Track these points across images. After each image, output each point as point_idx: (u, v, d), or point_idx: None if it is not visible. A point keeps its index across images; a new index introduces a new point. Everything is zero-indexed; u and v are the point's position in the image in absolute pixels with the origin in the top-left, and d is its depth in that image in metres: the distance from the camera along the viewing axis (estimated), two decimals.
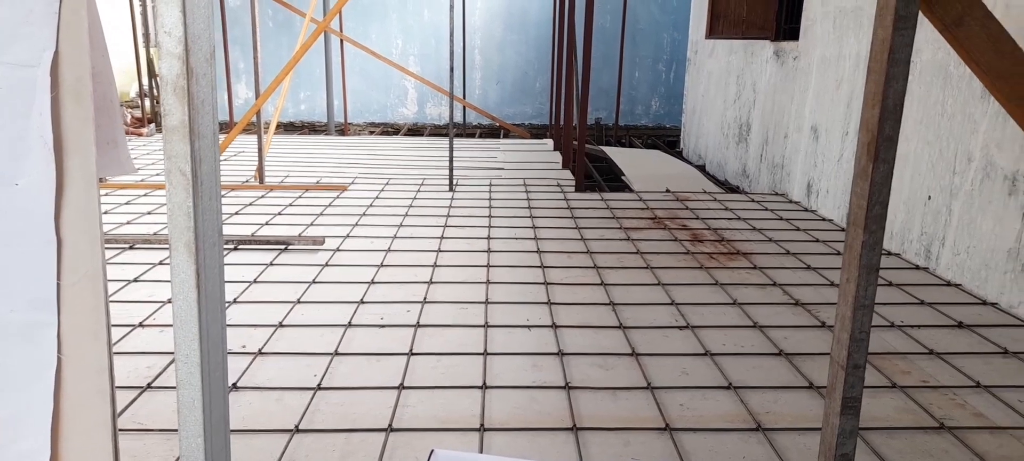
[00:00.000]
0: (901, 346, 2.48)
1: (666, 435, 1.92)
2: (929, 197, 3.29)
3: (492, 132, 9.21)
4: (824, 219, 4.27)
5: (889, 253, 3.56)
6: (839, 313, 0.97)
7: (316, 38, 4.78)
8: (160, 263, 3.22)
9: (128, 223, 3.96)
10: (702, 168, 6.80)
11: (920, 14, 0.94)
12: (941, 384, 2.21)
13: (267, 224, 3.99)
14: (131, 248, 3.46)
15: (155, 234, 3.63)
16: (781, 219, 4.27)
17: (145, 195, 4.63)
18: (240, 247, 3.52)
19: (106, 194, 4.64)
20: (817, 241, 3.82)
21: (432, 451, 1.67)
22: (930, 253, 3.29)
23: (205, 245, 0.75)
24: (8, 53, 0.72)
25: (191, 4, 0.70)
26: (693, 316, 2.74)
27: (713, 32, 5.22)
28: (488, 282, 3.10)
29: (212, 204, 0.76)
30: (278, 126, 9.42)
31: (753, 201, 4.77)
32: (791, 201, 4.77)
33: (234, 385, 2.13)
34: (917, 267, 3.34)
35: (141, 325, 2.56)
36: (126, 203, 4.40)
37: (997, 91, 0.91)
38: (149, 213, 4.17)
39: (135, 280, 3.01)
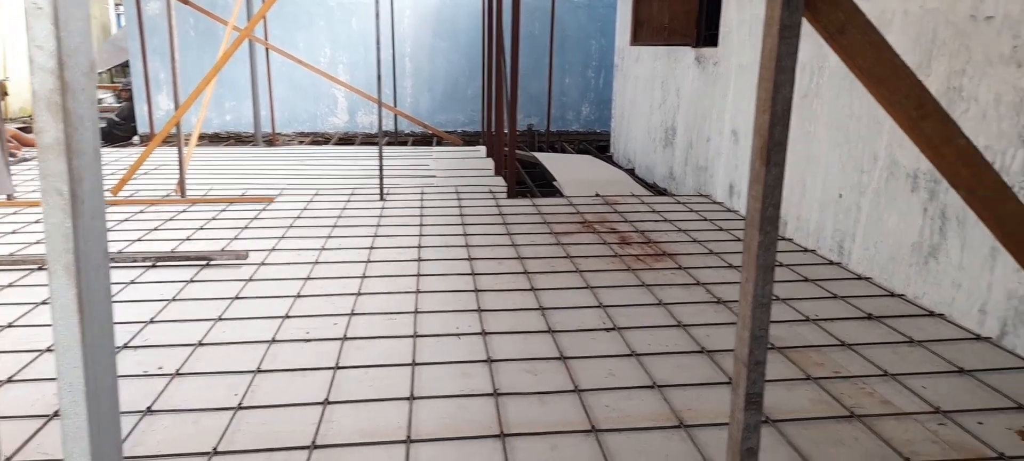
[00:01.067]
0: (815, 339, 2.58)
1: (592, 437, 1.94)
2: (840, 195, 3.44)
3: (425, 140, 9.16)
4: (745, 218, 4.41)
5: (805, 250, 3.71)
6: (740, 313, 1.00)
7: (238, 46, 4.66)
8: (9, 285, 3.07)
9: None
10: (631, 172, 6.93)
11: (809, 24, 0.99)
12: (852, 374, 2.31)
13: (188, 239, 3.86)
14: None
15: (12, 255, 3.45)
16: (705, 220, 4.39)
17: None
18: (158, 264, 3.39)
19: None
20: (739, 240, 3.94)
21: None
22: (842, 249, 3.44)
23: (87, 267, 0.72)
24: None
25: (65, 16, 0.67)
26: (620, 318, 2.79)
27: (637, 39, 5.33)
28: (418, 291, 3.07)
29: (95, 224, 0.73)
30: (202, 138, 9.13)
31: (679, 203, 4.89)
32: (715, 202, 4.91)
33: (148, 409, 2.05)
34: (831, 262, 3.49)
35: (49, 350, 2.43)
36: None
37: (878, 95, 0.96)
38: (14, 231, 3.97)
39: None
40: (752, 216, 0.94)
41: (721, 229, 4.18)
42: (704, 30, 5.21)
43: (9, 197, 4.67)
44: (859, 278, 3.25)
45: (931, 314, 2.81)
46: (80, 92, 0.68)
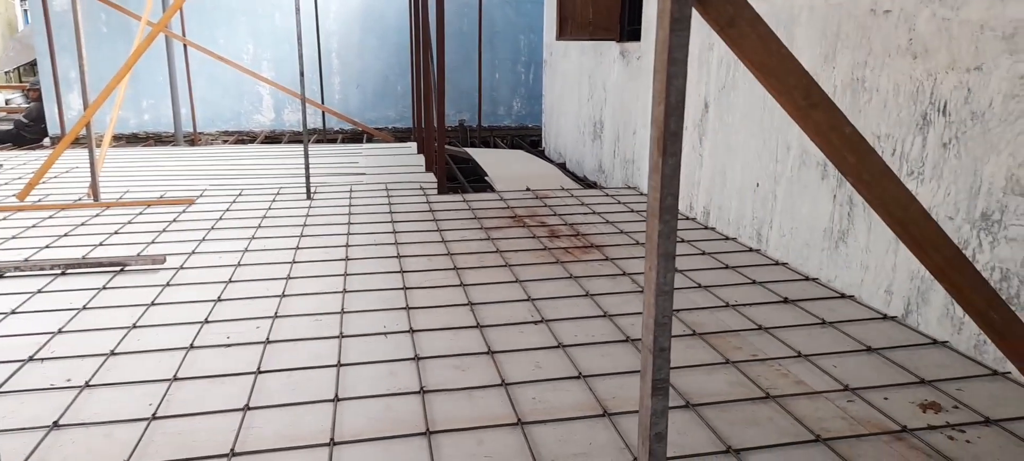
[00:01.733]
0: (735, 324, 2.67)
1: (518, 429, 1.95)
2: (757, 185, 3.56)
3: (355, 137, 9.02)
4: None
5: (726, 238, 3.82)
6: (645, 301, 1.02)
7: (151, 41, 4.48)
8: None
9: None
10: (562, 166, 7.00)
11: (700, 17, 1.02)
12: (768, 356, 2.40)
13: (101, 245, 3.69)
14: None
15: None
16: (632, 212, 4.47)
17: None
18: (68, 272, 3.23)
19: None
20: None
21: None
22: (761, 236, 3.56)
23: None
24: None
25: None
26: (548, 310, 2.81)
27: (562, 34, 5.38)
28: (345, 291, 3.02)
29: None
30: (119, 138, 8.75)
31: (608, 196, 4.97)
32: (642, 194, 5.01)
33: (54, 424, 1.95)
34: (750, 249, 3.61)
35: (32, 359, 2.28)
36: None
37: (769, 85, 0.99)
38: None
39: None
40: (652, 206, 0.96)
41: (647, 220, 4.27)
42: (627, 25, 5.30)
43: None
44: (776, 264, 3.37)
45: (842, 296, 2.94)
46: None
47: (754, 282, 3.12)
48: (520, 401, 2.10)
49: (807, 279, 3.15)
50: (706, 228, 4.05)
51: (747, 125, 3.63)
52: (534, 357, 2.40)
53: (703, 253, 3.56)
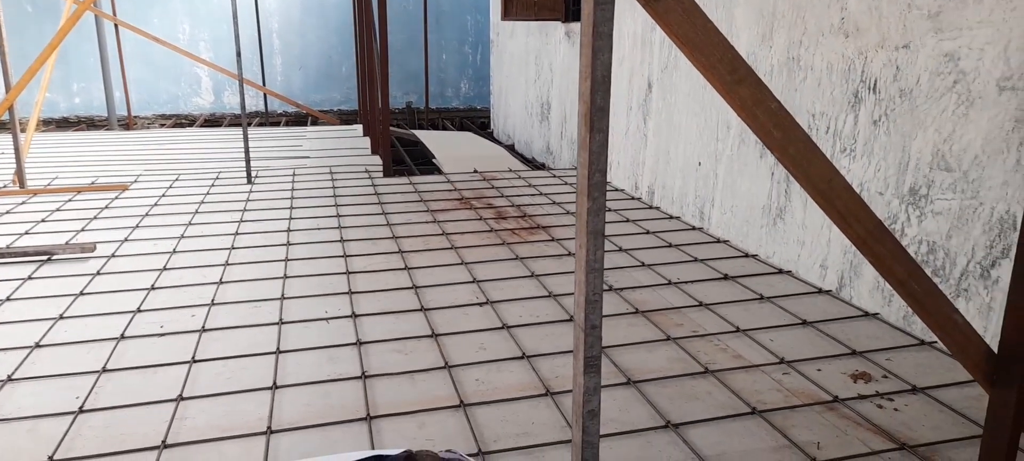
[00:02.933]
0: (677, 301, 2.71)
1: (461, 411, 1.94)
2: (699, 163, 3.61)
3: (299, 120, 8.83)
4: (617, 189, 4.56)
5: (671, 217, 3.87)
6: (576, 279, 1.02)
7: (76, 21, 4.28)
8: None
9: None
10: (511, 148, 6.99)
11: None
12: (708, 332, 2.44)
13: (26, 234, 3.53)
14: None
15: None
16: None
17: None
18: None
19: None
20: (610, 211, 4.06)
21: None
22: (703, 214, 3.62)
23: None
24: None
25: None
26: (493, 292, 2.80)
27: (508, 14, 5.35)
28: (285, 277, 2.96)
29: None
30: (49, 123, 8.38)
31: (555, 177, 4.98)
32: None
33: None
34: (693, 228, 3.66)
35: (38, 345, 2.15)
36: None
37: (696, 61, 1.00)
38: None
39: None
40: (581, 183, 0.95)
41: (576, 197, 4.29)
42: (572, 5, 5.29)
43: None
44: (718, 241, 3.43)
45: (780, 271, 3.01)
46: None
47: (696, 259, 3.17)
48: (463, 383, 2.09)
49: (747, 256, 3.22)
50: (651, 207, 4.10)
51: (689, 105, 3.67)
52: (478, 339, 2.39)
53: (647, 232, 3.60)
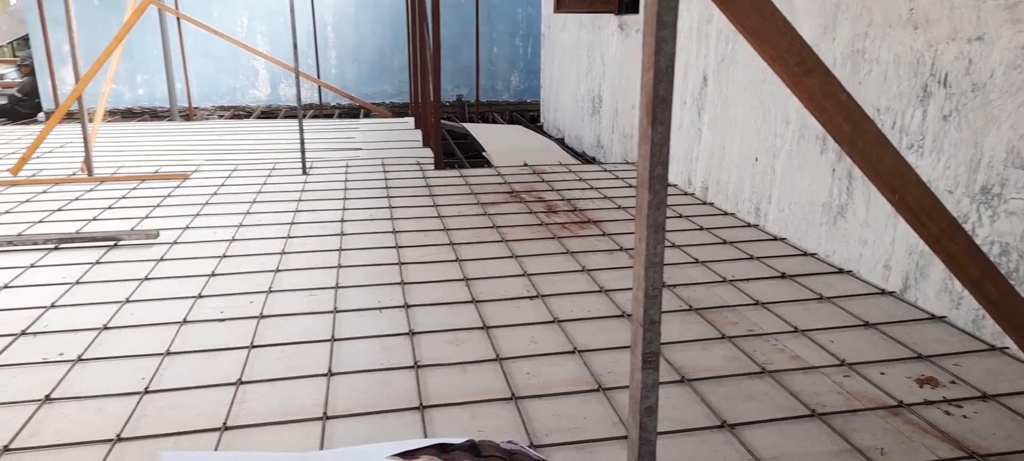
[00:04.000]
0: (732, 299, 2.65)
1: (512, 404, 1.94)
2: (756, 159, 3.53)
3: (352, 112, 8.96)
4: (670, 184, 4.49)
5: (725, 213, 3.80)
6: (635, 273, 1.00)
7: (140, 14, 4.42)
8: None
9: None
10: (561, 141, 6.96)
11: None
12: (764, 332, 2.38)
13: (95, 220, 3.67)
14: None
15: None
16: (631, 187, 4.44)
17: None
18: (61, 246, 3.21)
19: None
20: None
21: (161, 456, 1.60)
22: (759, 211, 3.54)
23: None
24: None
25: None
26: (544, 285, 2.80)
27: (560, 7, 5.32)
28: (340, 266, 3.01)
29: None
30: (114, 113, 8.69)
31: (606, 171, 4.94)
32: None
33: (47, 397, 1.94)
34: (749, 225, 3.58)
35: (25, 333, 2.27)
36: None
37: (762, 51, 0.97)
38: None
39: None
40: (641, 176, 0.94)
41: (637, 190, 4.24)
42: None
43: None
44: (775, 239, 3.35)
45: (840, 271, 2.92)
46: None
47: (752, 257, 3.10)
48: (514, 376, 2.09)
49: (805, 254, 3.14)
50: (705, 203, 4.03)
51: (746, 99, 3.59)
52: (529, 332, 2.39)
53: (701, 229, 3.54)
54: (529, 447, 1.70)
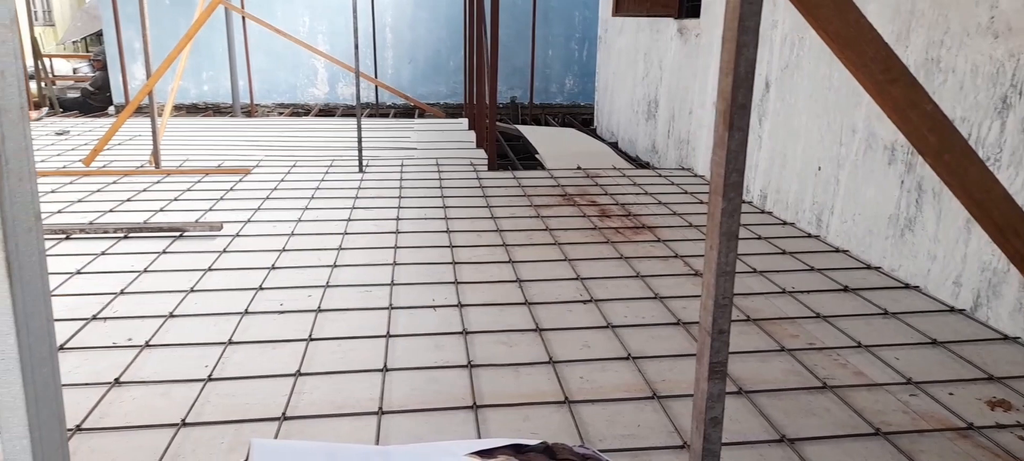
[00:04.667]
0: (791, 311, 2.59)
1: (565, 408, 1.93)
2: (819, 168, 3.44)
3: (406, 112, 9.07)
4: None
5: (785, 223, 3.71)
6: (704, 281, 0.98)
7: (210, 13, 4.56)
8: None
9: None
10: (615, 145, 6.91)
11: None
12: (826, 345, 2.32)
13: (162, 211, 3.80)
14: None
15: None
16: (686, 193, 4.38)
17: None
18: (130, 235, 3.33)
19: None
20: None
21: (251, 442, 1.63)
22: (821, 221, 3.44)
23: (16, 231, 0.69)
24: None
25: None
26: (597, 290, 2.78)
27: (619, 10, 5.27)
28: (395, 263, 3.04)
29: (23, 186, 0.69)
30: (180, 108, 8.99)
31: (661, 176, 4.88)
32: (696, 175, 4.90)
33: (116, 380, 2.02)
34: (809, 235, 3.49)
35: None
36: None
37: (845, 58, 0.94)
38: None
39: None
40: (715, 182, 0.92)
41: (701, 202, 4.17)
42: (686, 1, 5.15)
43: None
44: (837, 251, 3.26)
45: (906, 286, 2.82)
46: (0, 44, 0.64)
47: (813, 269, 3.02)
48: (568, 379, 2.08)
49: (869, 267, 3.04)
50: (763, 212, 3.94)
51: (810, 106, 3.50)
52: (582, 336, 2.38)
53: (759, 238, 3.46)
54: (601, 452, 1.69)
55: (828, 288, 2.81)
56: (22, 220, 0.70)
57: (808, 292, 2.76)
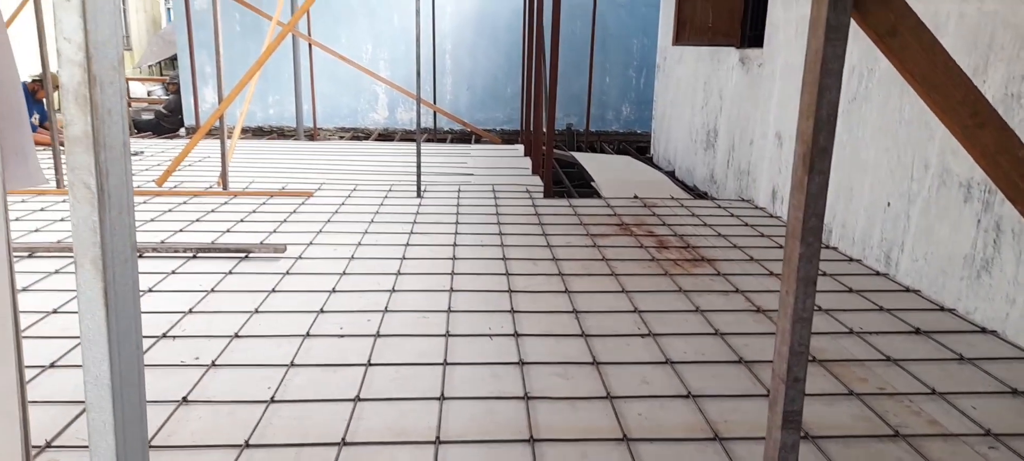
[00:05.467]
0: (859, 353, 2.50)
1: (623, 445, 1.90)
2: (888, 204, 3.33)
3: (463, 138, 9.18)
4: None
5: (850, 260, 3.60)
6: (779, 327, 0.96)
7: (281, 40, 4.72)
8: (56, 272, 3.13)
9: (36, 231, 3.86)
10: (671, 174, 6.84)
11: (857, 25, 0.94)
12: (898, 391, 2.22)
13: (228, 231, 3.92)
14: (30, 256, 3.37)
15: (58, 242, 3.54)
16: (746, 225, 4.29)
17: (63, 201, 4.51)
18: (199, 255, 3.44)
19: (21, 200, 4.52)
20: (781, 247, 3.85)
21: None
22: (890, 259, 3.32)
23: (114, 261, 0.72)
24: None
25: (93, 9, 0.66)
26: (656, 324, 2.74)
27: (680, 39, 5.25)
28: (452, 290, 3.06)
29: (122, 218, 0.72)
30: (246, 131, 9.30)
31: (720, 207, 4.80)
32: (757, 207, 4.80)
33: (184, 398, 2.08)
34: (877, 273, 3.37)
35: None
36: (40, 209, 4.29)
37: (931, 101, 0.91)
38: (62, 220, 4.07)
39: (25, 290, 2.94)
40: (793, 226, 0.90)
41: (763, 235, 4.09)
42: (749, 30, 5.10)
43: (59, 185, 4.81)
44: (907, 290, 3.14)
45: (983, 330, 2.69)
46: (108, 85, 0.68)
47: (881, 308, 2.91)
48: (626, 416, 2.05)
49: (942, 309, 2.91)
50: (827, 247, 3.83)
51: (879, 140, 3.40)
52: (641, 371, 2.34)
53: (824, 274, 3.36)
54: None
55: (898, 330, 2.70)
56: (120, 251, 0.73)
57: (877, 333, 2.66)
